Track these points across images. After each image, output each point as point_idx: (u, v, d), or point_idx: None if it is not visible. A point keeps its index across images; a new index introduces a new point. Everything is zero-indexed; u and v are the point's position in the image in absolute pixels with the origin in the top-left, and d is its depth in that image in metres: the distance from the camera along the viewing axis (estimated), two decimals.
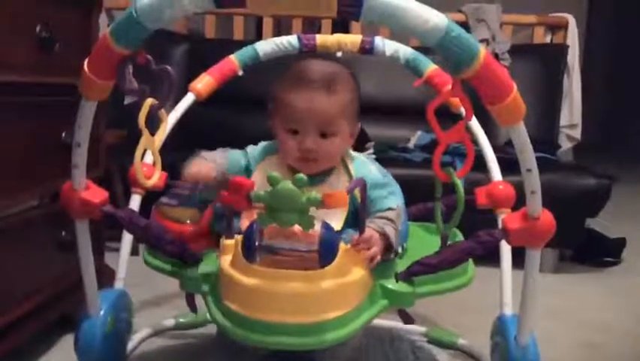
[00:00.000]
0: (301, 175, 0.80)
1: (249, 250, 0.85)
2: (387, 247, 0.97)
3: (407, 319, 1.03)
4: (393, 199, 1.05)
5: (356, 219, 0.96)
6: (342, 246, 0.88)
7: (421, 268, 0.96)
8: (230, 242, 0.92)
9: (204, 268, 0.98)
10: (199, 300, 1.04)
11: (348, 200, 0.94)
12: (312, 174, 1.02)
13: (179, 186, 1.23)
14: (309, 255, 0.85)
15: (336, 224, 0.98)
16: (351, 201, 0.97)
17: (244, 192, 0.87)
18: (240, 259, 0.86)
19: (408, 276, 0.96)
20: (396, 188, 1.10)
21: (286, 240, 0.86)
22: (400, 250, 1.03)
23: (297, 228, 0.84)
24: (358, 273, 0.89)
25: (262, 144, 1.13)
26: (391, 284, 0.94)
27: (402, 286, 0.95)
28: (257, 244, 0.86)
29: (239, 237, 0.90)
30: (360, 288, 0.90)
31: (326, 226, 0.86)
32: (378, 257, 0.93)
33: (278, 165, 1.06)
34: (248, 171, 1.10)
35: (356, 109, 1.07)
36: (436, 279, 0.99)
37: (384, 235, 0.96)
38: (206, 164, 1.06)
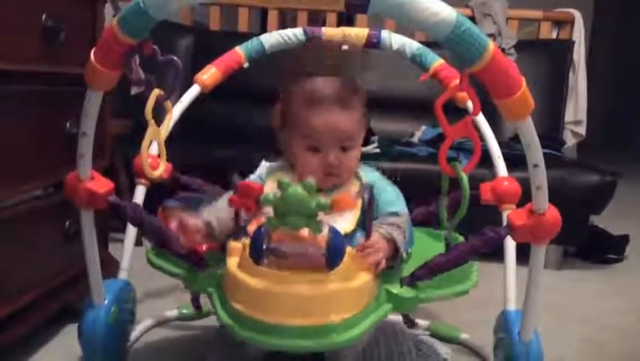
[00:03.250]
0: (309, 180, 0.81)
1: (257, 252, 0.85)
2: (395, 253, 0.97)
3: (409, 322, 1.04)
4: (399, 204, 1.06)
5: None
6: (348, 250, 0.88)
7: (426, 272, 0.96)
8: (237, 244, 0.92)
9: (210, 269, 0.98)
10: (203, 300, 1.04)
11: (360, 203, 0.95)
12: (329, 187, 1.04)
13: (185, 181, 1.23)
14: (316, 259, 0.85)
15: (347, 226, 0.98)
16: (363, 204, 0.97)
17: (253, 195, 0.87)
18: (247, 261, 0.87)
19: (412, 281, 0.96)
20: (400, 195, 1.10)
21: (294, 243, 0.86)
22: (404, 255, 1.04)
23: (304, 231, 0.85)
24: (364, 277, 0.89)
25: (269, 164, 1.13)
26: (396, 289, 0.95)
27: (406, 291, 0.95)
28: (264, 246, 0.86)
29: (246, 239, 0.90)
30: (366, 292, 0.90)
31: (333, 231, 0.86)
32: (383, 263, 0.93)
33: (290, 178, 1.05)
34: None
35: (366, 119, 1.09)
36: (439, 284, 0.99)
37: (391, 241, 0.96)
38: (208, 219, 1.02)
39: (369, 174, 1.10)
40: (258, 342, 0.85)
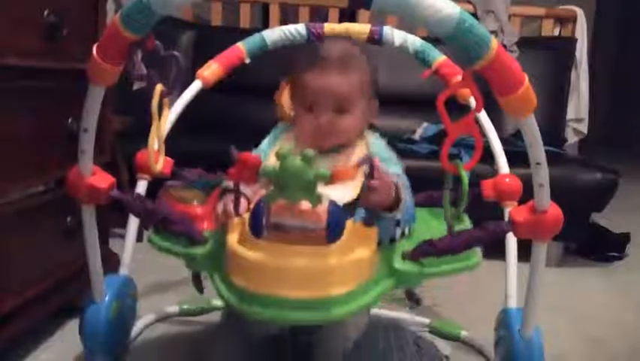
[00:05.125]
0: (309, 150, 0.80)
1: (256, 227, 0.85)
2: (395, 200, 0.95)
3: (414, 299, 1.03)
4: (400, 173, 1.06)
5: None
6: (348, 223, 0.87)
7: (428, 249, 0.95)
8: (237, 220, 0.92)
9: (211, 246, 0.98)
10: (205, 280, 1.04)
11: (361, 173, 0.94)
12: (329, 148, 1.04)
13: (185, 174, 1.23)
14: (316, 232, 0.85)
15: (348, 197, 0.97)
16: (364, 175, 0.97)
17: (251, 167, 0.87)
18: (247, 236, 0.86)
19: (415, 256, 0.95)
20: (402, 168, 1.10)
21: (293, 217, 0.86)
22: (406, 231, 1.03)
23: (304, 205, 0.84)
24: (365, 251, 0.89)
25: (279, 126, 1.15)
26: (398, 263, 0.94)
27: (409, 266, 0.94)
28: (264, 220, 0.85)
29: (246, 214, 0.89)
30: (367, 266, 0.89)
31: (333, 205, 0.85)
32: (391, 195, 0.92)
33: (291, 142, 1.08)
34: None
35: (370, 88, 1.09)
36: (444, 260, 0.97)
37: (394, 187, 0.94)
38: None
39: (376, 143, 1.10)
40: (257, 315, 0.84)
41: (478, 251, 1.06)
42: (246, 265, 0.85)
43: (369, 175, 0.89)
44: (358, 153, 1.06)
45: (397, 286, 0.95)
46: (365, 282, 0.88)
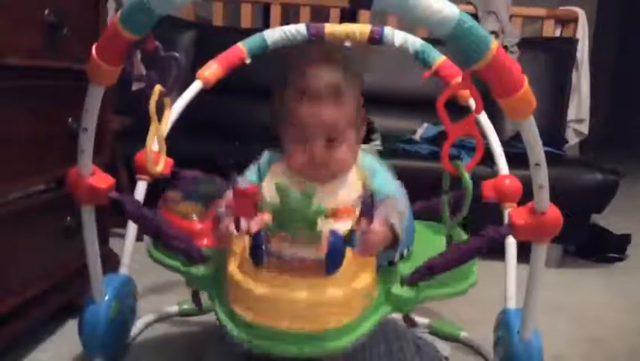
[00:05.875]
0: (310, 186, 0.82)
1: (257, 255, 0.85)
2: (394, 238, 0.94)
3: (410, 322, 1.04)
4: (391, 186, 1.04)
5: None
6: (348, 253, 0.87)
7: (426, 272, 0.95)
8: (237, 246, 0.92)
9: (211, 267, 0.98)
10: (204, 297, 1.04)
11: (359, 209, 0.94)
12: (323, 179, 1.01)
13: (184, 175, 1.23)
14: (315, 263, 0.85)
15: (347, 228, 0.95)
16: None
17: (250, 201, 0.87)
18: (248, 263, 0.87)
19: (413, 281, 0.95)
20: (392, 175, 1.08)
21: (293, 247, 0.86)
22: (405, 253, 1.03)
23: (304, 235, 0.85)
24: (364, 281, 0.89)
25: (265, 154, 1.11)
26: (396, 289, 0.94)
27: (406, 291, 0.94)
28: (264, 249, 0.85)
29: (246, 239, 0.89)
30: (366, 295, 0.90)
31: (334, 235, 0.85)
32: (380, 248, 0.91)
33: (284, 172, 1.05)
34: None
35: (361, 115, 1.06)
36: (439, 283, 0.98)
37: (390, 227, 0.94)
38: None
39: (365, 159, 1.08)
40: (256, 347, 0.85)
41: (474, 272, 1.06)
42: (245, 293, 0.86)
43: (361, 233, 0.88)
44: (352, 179, 1.03)
45: (394, 311, 0.95)
46: (363, 311, 0.88)
